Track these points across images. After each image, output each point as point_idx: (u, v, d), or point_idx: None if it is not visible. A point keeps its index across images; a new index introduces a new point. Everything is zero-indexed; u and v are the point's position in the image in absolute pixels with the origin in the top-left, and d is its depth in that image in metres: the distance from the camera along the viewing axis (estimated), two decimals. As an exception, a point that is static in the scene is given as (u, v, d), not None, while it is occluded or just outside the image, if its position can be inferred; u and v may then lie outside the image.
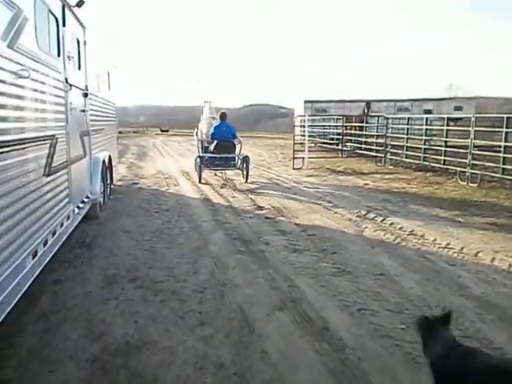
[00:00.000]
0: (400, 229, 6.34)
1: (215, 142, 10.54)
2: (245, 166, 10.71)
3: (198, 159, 10.72)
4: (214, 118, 11.80)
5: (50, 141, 3.89)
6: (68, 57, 4.72)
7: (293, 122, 15.09)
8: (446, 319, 2.23)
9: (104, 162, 7.03)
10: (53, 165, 3.94)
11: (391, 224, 6.62)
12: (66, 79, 4.64)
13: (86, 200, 5.66)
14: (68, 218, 4.60)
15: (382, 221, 6.82)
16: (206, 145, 11.05)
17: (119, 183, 10.40)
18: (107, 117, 8.32)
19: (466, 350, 2.13)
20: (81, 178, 5.52)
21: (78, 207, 5.16)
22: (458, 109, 30.81)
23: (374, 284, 4.26)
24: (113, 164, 8.40)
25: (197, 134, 12.02)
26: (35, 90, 3.50)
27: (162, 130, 54.78)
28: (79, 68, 5.48)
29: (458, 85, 69.56)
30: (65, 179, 4.50)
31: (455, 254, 5.18)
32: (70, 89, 4.73)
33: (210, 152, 10.57)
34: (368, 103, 20.76)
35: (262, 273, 4.54)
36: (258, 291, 4.05)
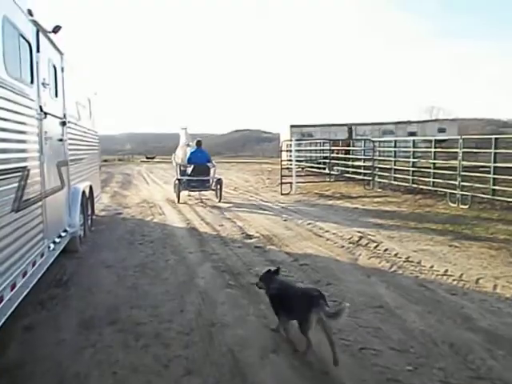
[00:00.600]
0: (395, 255, 6.09)
1: (192, 166, 11.79)
2: (218, 187, 11.94)
3: (177, 181, 11.84)
4: (188, 145, 13.17)
5: (19, 173, 3.59)
6: (43, 84, 4.46)
7: (279, 147, 14.94)
8: (277, 271, 3.85)
9: (84, 192, 6.70)
10: (24, 198, 3.63)
11: (385, 250, 6.37)
12: (41, 107, 4.36)
13: (63, 234, 5.31)
14: (42, 256, 4.25)
15: (375, 247, 6.57)
16: (183, 168, 12.20)
17: (102, 213, 10.03)
18: (88, 146, 8.03)
19: (286, 284, 3.79)
20: (58, 210, 5.19)
21: (55, 242, 4.81)
22: (441, 130, 31.25)
23: (374, 318, 3.96)
24: (94, 194, 8.07)
25: (175, 159, 13.15)
26: (3, 119, 3.22)
27: (147, 158, 54.62)
28: (56, 95, 5.22)
29: (439, 107, 70.97)
30: (38, 213, 4.17)
31: (455, 282, 4.93)
32: (45, 117, 4.45)
33: (188, 175, 11.83)
34: (350, 127, 21.14)
35: (253, 309, 4.22)
36: (250, 331, 3.73)
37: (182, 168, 12.20)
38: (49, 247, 4.54)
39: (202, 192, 12.37)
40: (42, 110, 4.38)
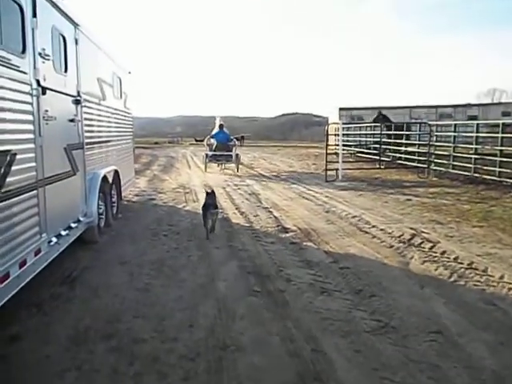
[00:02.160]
0: (455, 260, 5.13)
1: (215, 144, 15.38)
2: (236, 160, 15.17)
3: (204, 155, 15.48)
4: (221, 127, 16.12)
5: (-3, 158, 3.01)
6: (42, 55, 3.87)
7: (325, 131, 13.94)
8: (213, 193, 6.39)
9: (105, 178, 6.18)
10: (3, 190, 3.05)
11: (443, 253, 5.41)
12: (38, 81, 3.78)
13: (74, 225, 4.78)
14: (38, 253, 3.71)
15: (430, 248, 5.62)
16: (210, 146, 15.64)
17: (134, 199, 9.60)
18: (116, 127, 7.52)
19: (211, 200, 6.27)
20: (66, 199, 4.66)
21: (59, 235, 4.27)
22: (505, 114, 28.70)
23: (429, 349, 3.11)
24: (123, 179, 7.57)
25: (208, 140, 16.14)
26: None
27: (196, 140, 54.65)
28: (65, 70, 4.64)
29: (501, 89, 65.98)
30: (32, 204, 3.61)
31: (534, 300, 3.95)
32: (44, 93, 3.86)
33: (212, 150, 15.36)
34: (380, 112, 19.90)
35: (277, 326, 3.48)
36: (269, 359, 3.00)
37: (209, 146, 15.64)
38: (49, 242, 4.00)
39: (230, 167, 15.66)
40: (39, 84, 3.79)
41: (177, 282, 4.42)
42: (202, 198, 9.63)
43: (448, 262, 5.07)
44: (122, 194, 7.73)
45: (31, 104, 3.65)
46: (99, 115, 6.26)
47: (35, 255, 3.65)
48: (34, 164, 3.67)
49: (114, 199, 7.01)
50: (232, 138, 15.93)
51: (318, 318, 3.61)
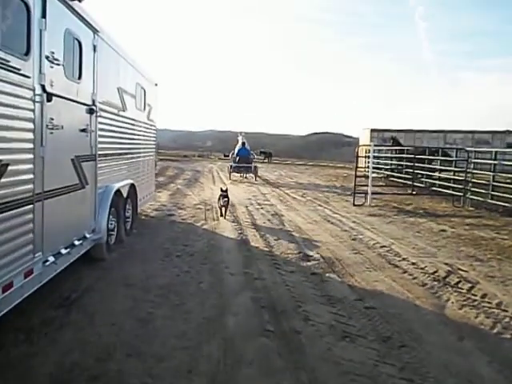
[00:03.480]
0: (498, 306, 4.51)
1: (238, 157, 18.60)
2: (254, 171, 18.51)
3: (230, 166, 18.93)
4: (244, 144, 19.19)
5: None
6: (49, 59, 3.57)
7: (355, 152, 13.40)
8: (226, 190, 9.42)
9: (119, 192, 5.86)
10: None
11: (484, 296, 4.79)
12: (43, 87, 3.48)
13: (77, 243, 4.44)
14: (28, 274, 3.36)
15: (469, 290, 5.01)
16: (234, 159, 18.85)
17: (153, 214, 9.28)
18: (137, 139, 7.24)
19: (225, 193, 9.14)
20: (70, 214, 4.33)
21: (58, 254, 3.92)
22: (546, 143, 27.40)
23: (472, 426, 2.55)
24: (140, 194, 7.26)
25: (232, 154, 19.74)
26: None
27: (225, 156, 54.78)
28: (79, 77, 4.35)
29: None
30: (24, 220, 3.27)
31: None
32: (50, 100, 3.56)
33: (236, 162, 18.57)
34: (393, 137, 20.29)
35: (289, 379, 2.99)
36: (277, 424, 2.51)
37: (234, 158, 18.86)
38: (45, 262, 3.64)
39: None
40: (44, 90, 3.49)
41: (182, 314, 3.98)
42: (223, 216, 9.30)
43: (490, 308, 4.46)
44: (139, 209, 7.41)
45: (33, 111, 3.34)
46: (117, 126, 5.98)
47: (25, 277, 3.30)
48: (31, 176, 3.34)
49: (128, 214, 6.69)
50: (252, 153, 19.37)
51: (338, 372, 3.10)
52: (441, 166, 15.28)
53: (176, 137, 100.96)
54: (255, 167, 18.57)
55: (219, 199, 9.23)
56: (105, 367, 3.00)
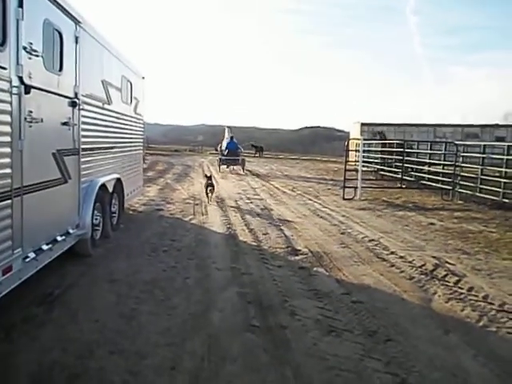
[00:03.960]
0: (484, 299, 4.52)
1: (227, 150, 19.69)
2: (242, 163, 19.57)
3: (219, 159, 20.19)
4: (231, 138, 20.35)
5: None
6: (27, 49, 3.48)
7: (345, 146, 13.38)
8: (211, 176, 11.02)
9: (104, 187, 5.76)
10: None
11: (470, 289, 4.80)
12: (21, 78, 3.38)
13: (60, 238, 4.36)
14: (8, 271, 3.28)
15: (456, 283, 5.02)
16: (223, 152, 20.03)
17: (141, 208, 9.19)
18: (123, 133, 7.14)
19: (210, 180, 10.49)
20: (52, 209, 4.24)
21: (39, 250, 3.84)
22: (535, 136, 27.62)
23: (456, 420, 2.54)
24: (127, 188, 7.17)
25: (220, 147, 21.32)
26: None
27: (216, 150, 54.38)
28: (60, 69, 4.25)
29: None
30: (2, 216, 3.19)
31: None
32: (28, 92, 3.47)
33: (224, 156, 19.68)
34: (381, 131, 20.92)
35: (274, 375, 2.95)
36: (259, 421, 2.47)
37: (222, 152, 20.03)
38: (25, 258, 3.56)
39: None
40: (22, 82, 3.40)
41: (167, 310, 3.93)
42: (212, 211, 9.25)
43: (476, 301, 4.46)
44: (126, 204, 7.32)
45: (10, 103, 3.25)
46: (102, 120, 5.88)
47: (3, 274, 3.22)
48: (8, 171, 3.25)
49: (114, 209, 6.60)
50: (239, 146, 20.52)
51: (323, 367, 3.07)
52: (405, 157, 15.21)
53: (167, 131, 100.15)
54: (243, 160, 19.79)
55: (206, 187, 10.49)
56: (85, 365, 2.94)
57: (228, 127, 21.81)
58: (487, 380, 3.01)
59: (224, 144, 20.61)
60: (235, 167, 20.11)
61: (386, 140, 20.06)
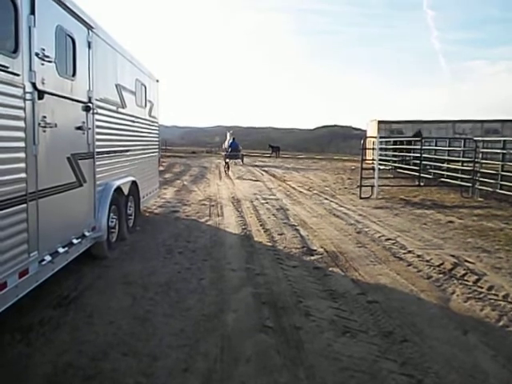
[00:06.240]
0: (504, 298, 4.41)
1: (230, 148, 23.79)
2: (242, 157, 24.65)
3: (223, 155, 23.62)
4: (233, 139, 24.68)
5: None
6: (39, 56, 3.53)
7: (362, 145, 13.24)
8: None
9: (119, 190, 5.82)
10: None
11: (490, 288, 4.69)
12: (34, 84, 3.44)
13: (76, 241, 4.41)
14: (24, 274, 3.33)
15: (475, 282, 4.91)
16: (227, 149, 24.12)
17: (157, 210, 9.27)
18: (137, 136, 7.20)
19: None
20: (68, 212, 4.30)
21: (55, 253, 3.90)
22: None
23: (474, 423, 2.48)
24: (142, 191, 7.23)
25: (224, 146, 26.02)
26: None
27: (219, 148, 54.41)
28: (73, 74, 4.31)
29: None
30: (18, 220, 3.25)
31: None
32: (41, 98, 3.52)
33: (228, 152, 23.32)
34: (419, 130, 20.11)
35: (287, 376, 2.93)
36: (271, 422, 2.45)
37: (226, 149, 24.08)
38: (41, 261, 3.62)
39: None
40: (35, 88, 3.45)
41: (181, 311, 3.94)
42: (227, 212, 9.26)
43: (496, 300, 4.36)
44: (142, 206, 7.39)
45: (23, 109, 3.30)
46: (116, 123, 5.94)
47: (20, 277, 3.27)
48: (23, 175, 3.31)
49: (130, 212, 6.67)
50: (239, 144, 24.98)
51: (337, 368, 3.03)
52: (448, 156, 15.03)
53: (184, 133, 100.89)
54: (242, 155, 25.20)
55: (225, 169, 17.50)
56: (99, 367, 2.96)
57: (229, 131, 26.78)
58: (507, 382, 2.93)
59: (227, 144, 25.18)
60: (236, 161, 24.81)
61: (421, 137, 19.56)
